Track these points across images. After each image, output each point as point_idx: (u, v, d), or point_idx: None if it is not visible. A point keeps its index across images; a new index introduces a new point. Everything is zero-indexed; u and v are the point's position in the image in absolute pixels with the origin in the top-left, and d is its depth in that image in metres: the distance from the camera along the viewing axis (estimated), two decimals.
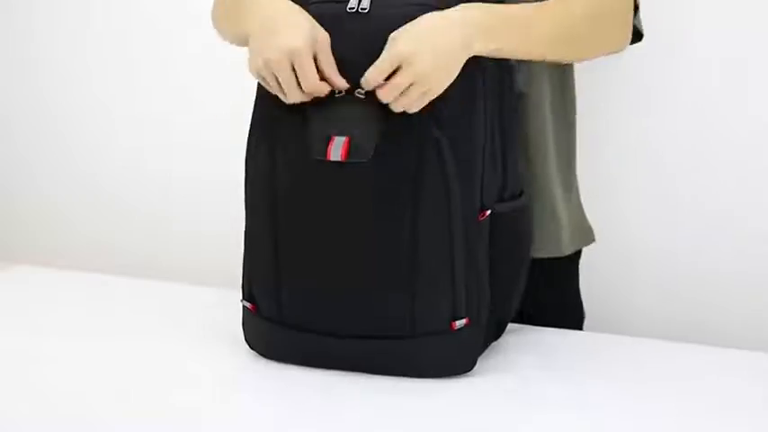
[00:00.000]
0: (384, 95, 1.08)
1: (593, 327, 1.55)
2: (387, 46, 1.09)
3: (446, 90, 1.10)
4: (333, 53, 1.11)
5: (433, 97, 1.09)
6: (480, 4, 1.16)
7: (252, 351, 1.22)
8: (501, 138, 1.18)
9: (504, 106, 1.18)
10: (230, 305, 1.34)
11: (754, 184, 1.71)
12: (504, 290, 1.22)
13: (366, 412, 1.07)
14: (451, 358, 1.11)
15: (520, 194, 1.23)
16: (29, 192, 2.23)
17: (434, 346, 1.14)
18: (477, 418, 1.06)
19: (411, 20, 1.10)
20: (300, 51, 1.08)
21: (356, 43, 1.11)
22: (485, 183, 1.14)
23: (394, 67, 1.08)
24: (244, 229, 1.21)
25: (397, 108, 1.09)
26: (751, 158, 1.70)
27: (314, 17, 1.12)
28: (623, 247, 1.79)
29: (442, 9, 1.11)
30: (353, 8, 1.12)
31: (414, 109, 1.09)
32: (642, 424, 1.06)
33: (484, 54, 1.14)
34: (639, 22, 1.34)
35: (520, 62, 1.23)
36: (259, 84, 1.18)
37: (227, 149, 1.85)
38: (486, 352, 1.22)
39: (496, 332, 1.26)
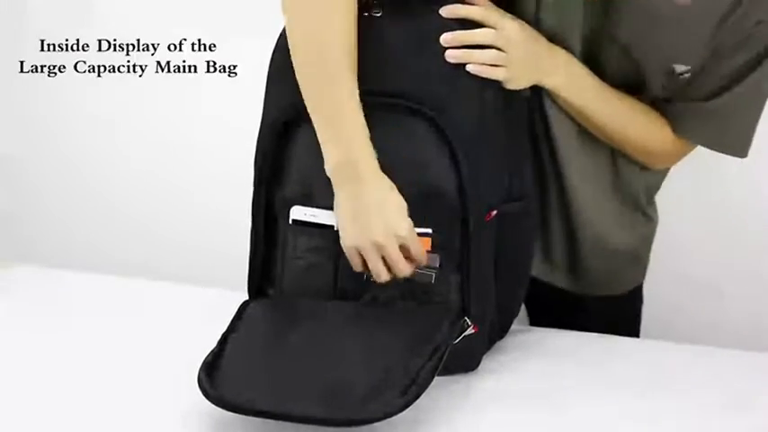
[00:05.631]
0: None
1: None
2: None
3: (453, 90, 1.11)
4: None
5: (507, 77, 1.14)
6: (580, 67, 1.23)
7: None
8: (507, 138, 1.18)
9: (509, 108, 1.18)
10: (230, 305, 1.33)
11: (755, 182, 1.70)
12: (509, 290, 1.22)
13: None
14: (456, 357, 1.11)
15: (527, 197, 1.23)
16: (29, 192, 2.23)
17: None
18: (477, 416, 1.06)
19: (430, 29, 1.11)
20: (410, 235, 1.09)
21: (374, 48, 1.11)
22: (492, 183, 1.15)
23: (487, 20, 1.13)
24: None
25: (471, 58, 1.12)
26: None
27: None
28: None
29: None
30: (366, 12, 1.12)
31: (483, 73, 1.12)
32: (642, 423, 1.06)
33: (549, 86, 1.21)
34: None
35: None
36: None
37: (226, 151, 1.85)
38: (489, 351, 1.22)
39: (501, 331, 1.26)
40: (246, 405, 0.98)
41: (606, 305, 1.40)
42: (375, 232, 1.08)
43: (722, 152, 1.30)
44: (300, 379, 1.02)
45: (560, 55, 1.21)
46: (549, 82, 1.21)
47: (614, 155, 1.31)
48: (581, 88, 1.23)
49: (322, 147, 1.11)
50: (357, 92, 1.09)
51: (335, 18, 1.08)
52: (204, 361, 1.05)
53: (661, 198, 1.44)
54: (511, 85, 1.16)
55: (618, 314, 1.43)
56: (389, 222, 1.08)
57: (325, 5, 1.09)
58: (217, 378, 1.02)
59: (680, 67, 1.22)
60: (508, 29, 1.15)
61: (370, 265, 1.11)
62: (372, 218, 1.08)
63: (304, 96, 1.11)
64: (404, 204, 1.10)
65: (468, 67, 1.12)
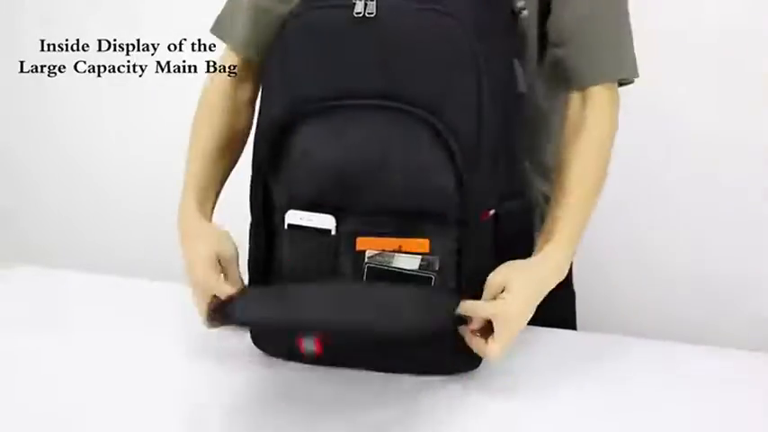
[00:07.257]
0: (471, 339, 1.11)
1: (592, 326, 1.55)
2: (488, 285, 1.11)
3: (449, 90, 1.10)
4: (345, 60, 1.10)
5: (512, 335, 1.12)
6: (563, 236, 1.19)
7: (253, 350, 1.22)
8: (504, 137, 1.17)
9: (505, 105, 1.17)
10: None
11: (750, 182, 1.71)
12: None
13: (373, 409, 1.07)
14: (456, 357, 1.11)
15: (522, 194, 1.23)
16: (29, 193, 2.23)
17: (441, 346, 1.14)
18: (478, 415, 1.07)
19: (426, 29, 1.10)
20: (205, 286, 1.16)
21: (369, 50, 1.11)
22: (489, 182, 1.14)
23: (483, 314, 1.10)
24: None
25: (473, 344, 1.11)
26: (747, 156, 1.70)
27: (321, 23, 1.12)
28: (622, 245, 1.79)
29: (452, 14, 1.11)
30: (360, 13, 1.12)
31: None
32: (642, 422, 1.06)
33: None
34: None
35: (521, 63, 1.23)
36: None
37: None
38: None
39: None
40: (300, 318, 1.01)
41: None
42: (191, 281, 1.18)
43: (619, 79, 1.26)
44: (343, 299, 1.06)
45: (551, 269, 1.17)
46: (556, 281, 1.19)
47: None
48: (575, 243, 1.21)
49: None
50: (199, 172, 1.33)
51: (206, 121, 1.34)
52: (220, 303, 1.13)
53: None
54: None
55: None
56: (194, 277, 1.18)
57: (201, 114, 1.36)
58: (248, 303, 1.09)
59: (519, 3, 1.23)
60: (500, 313, 1.11)
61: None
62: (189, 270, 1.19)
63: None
64: (201, 261, 1.18)
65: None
